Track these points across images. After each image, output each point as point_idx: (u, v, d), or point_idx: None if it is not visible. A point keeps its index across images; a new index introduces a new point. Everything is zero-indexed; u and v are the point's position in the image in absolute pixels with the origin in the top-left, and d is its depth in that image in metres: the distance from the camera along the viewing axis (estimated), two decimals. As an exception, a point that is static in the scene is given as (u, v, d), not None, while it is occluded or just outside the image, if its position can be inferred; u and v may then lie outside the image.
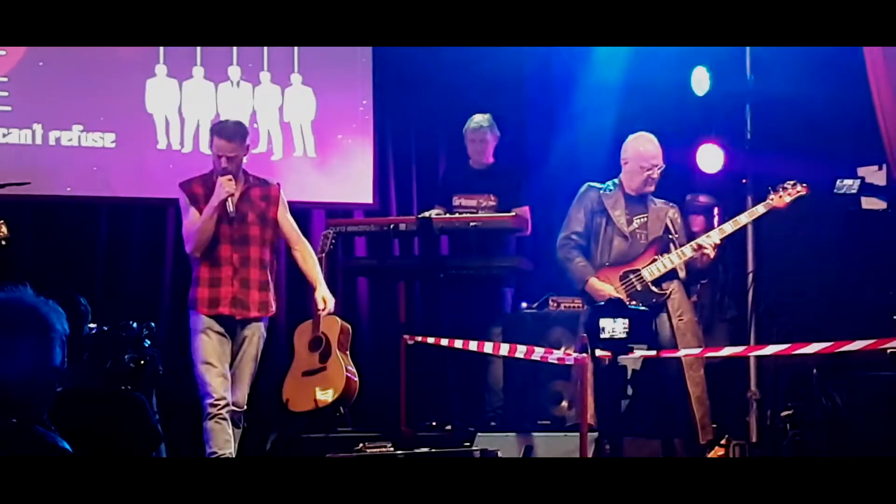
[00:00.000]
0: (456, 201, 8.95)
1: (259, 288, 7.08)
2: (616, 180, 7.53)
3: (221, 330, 7.04)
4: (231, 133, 7.09)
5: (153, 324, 8.16)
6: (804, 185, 7.28)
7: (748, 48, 9.26)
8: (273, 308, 7.23)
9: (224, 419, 6.96)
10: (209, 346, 7.00)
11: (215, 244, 7.05)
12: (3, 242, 7.30)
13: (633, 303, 7.01)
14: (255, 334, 7.13)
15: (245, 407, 7.14)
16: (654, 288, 7.18)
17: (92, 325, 4.85)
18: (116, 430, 4.59)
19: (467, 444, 7.95)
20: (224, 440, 6.94)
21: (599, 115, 10.30)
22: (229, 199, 6.99)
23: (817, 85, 8.48)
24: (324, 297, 7.27)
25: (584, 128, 10.31)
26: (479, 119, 9.10)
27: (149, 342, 8.03)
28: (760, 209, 7.35)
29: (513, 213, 8.69)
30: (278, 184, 7.33)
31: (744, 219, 7.46)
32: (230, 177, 6.95)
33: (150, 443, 5.46)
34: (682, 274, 7.31)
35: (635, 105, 10.30)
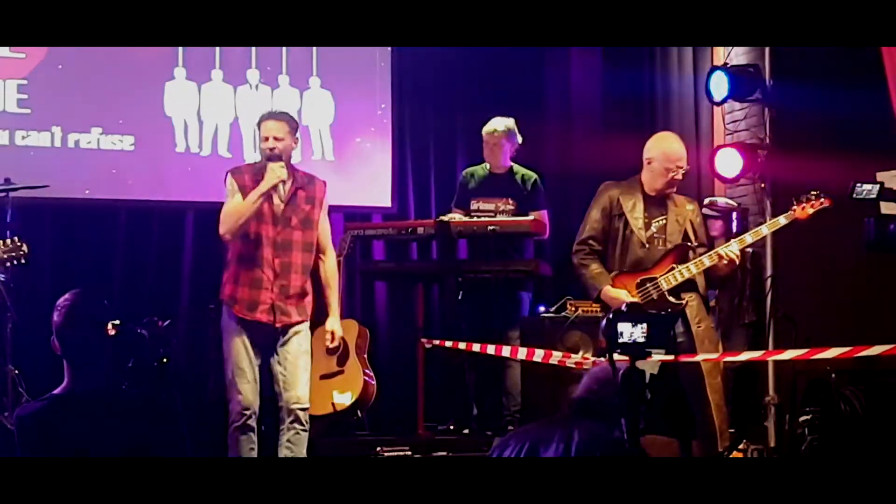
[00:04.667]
0: (474, 205, 8.94)
1: (299, 294, 6.91)
2: (634, 177, 7.42)
3: (260, 332, 6.89)
4: (279, 115, 7.02)
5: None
6: (827, 197, 7.18)
7: (767, 53, 9.27)
8: (310, 311, 7.04)
9: (251, 429, 6.88)
10: (241, 349, 6.84)
11: (258, 245, 6.87)
12: (24, 261, 7.35)
13: (651, 311, 6.95)
14: (301, 331, 6.94)
15: (308, 404, 6.92)
16: (670, 297, 7.12)
17: (116, 322, 4.86)
18: (143, 434, 4.59)
19: (485, 448, 7.95)
20: (248, 449, 6.88)
21: (617, 117, 10.32)
22: (280, 184, 6.84)
23: (836, 89, 8.46)
24: (332, 331, 7.09)
25: (602, 130, 10.32)
26: (496, 123, 9.07)
27: (175, 339, 8.06)
28: (782, 220, 7.23)
29: (531, 217, 8.68)
30: (325, 183, 7.14)
31: (765, 230, 7.38)
32: (282, 163, 6.78)
33: (178, 449, 5.41)
34: (700, 281, 7.24)
35: (654, 107, 10.34)
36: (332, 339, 7.09)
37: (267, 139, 6.88)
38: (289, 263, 6.87)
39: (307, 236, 6.96)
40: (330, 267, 7.12)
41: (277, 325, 6.86)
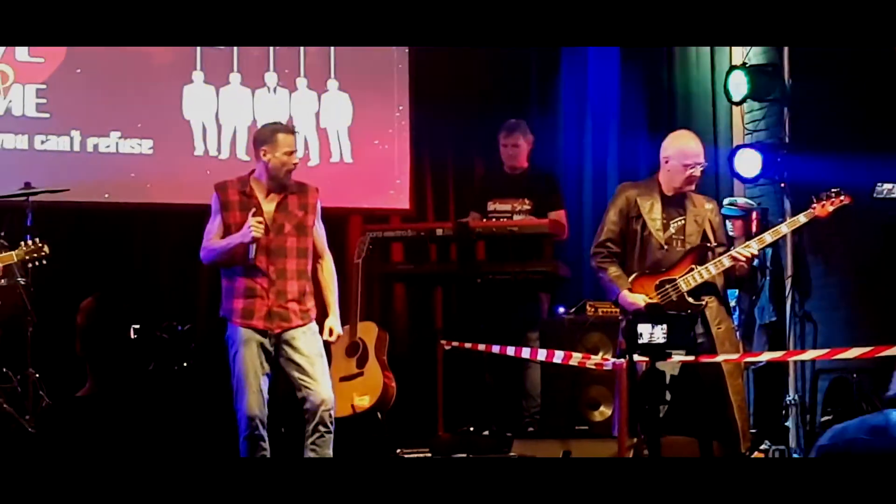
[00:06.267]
0: (491, 206, 8.94)
1: (298, 299, 6.84)
2: (652, 178, 7.39)
3: (264, 341, 6.83)
4: (294, 129, 7.04)
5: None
6: (847, 195, 7.12)
7: (786, 52, 9.25)
8: (314, 314, 7.02)
9: (260, 438, 6.86)
10: (247, 360, 6.78)
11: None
12: (45, 262, 7.40)
13: (671, 313, 6.92)
14: (307, 334, 6.88)
15: (332, 406, 6.84)
16: (689, 298, 7.08)
17: (136, 326, 4.88)
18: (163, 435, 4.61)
19: (506, 449, 7.95)
20: (260, 457, 6.87)
21: (634, 117, 10.31)
22: (263, 198, 6.82)
23: (855, 87, 8.43)
24: (331, 328, 7.03)
25: (619, 130, 10.31)
26: (512, 124, 9.08)
27: (194, 343, 8.07)
28: (802, 219, 7.16)
29: (550, 219, 8.67)
30: (317, 189, 7.06)
31: (784, 229, 7.31)
32: (261, 218, 6.71)
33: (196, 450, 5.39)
34: (719, 282, 7.20)
35: (671, 108, 10.32)
36: (331, 334, 7.06)
37: (291, 154, 6.85)
38: (283, 270, 6.82)
39: (301, 242, 6.90)
40: (328, 270, 7.08)
41: (276, 330, 6.81)
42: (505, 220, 8.77)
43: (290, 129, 6.97)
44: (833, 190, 7.06)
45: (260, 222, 6.72)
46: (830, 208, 7.07)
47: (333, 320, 7.06)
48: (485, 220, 8.84)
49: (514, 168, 9.06)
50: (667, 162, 7.23)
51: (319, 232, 7.06)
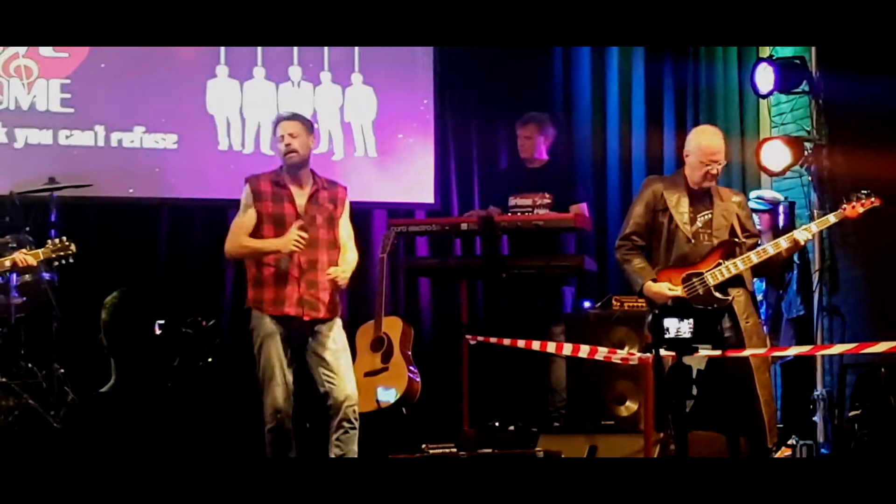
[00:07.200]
0: (511, 201, 8.91)
1: (328, 289, 6.95)
2: (679, 172, 7.36)
3: (289, 333, 6.92)
4: (291, 115, 7.12)
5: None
6: (878, 196, 7.08)
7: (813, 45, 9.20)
8: (340, 310, 7.08)
9: (285, 430, 6.88)
10: (272, 352, 6.88)
11: None
12: (71, 259, 7.43)
13: (698, 307, 6.89)
14: (333, 328, 6.98)
15: (356, 402, 6.92)
16: (717, 293, 7.04)
17: (161, 321, 4.87)
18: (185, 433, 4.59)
19: (531, 444, 7.92)
20: (284, 449, 6.88)
21: (659, 110, 10.27)
22: (297, 189, 6.92)
23: (884, 79, 8.38)
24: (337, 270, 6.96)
25: (644, 124, 10.27)
26: (527, 116, 9.07)
27: (219, 339, 8.08)
28: (832, 219, 7.12)
29: (574, 213, 8.64)
30: (345, 188, 7.21)
31: (814, 227, 7.28)
32: (305, 234, 6.78)
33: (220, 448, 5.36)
34: (747, 276, 7.16)
35: (697, 101, 10.27)
36: (332, 275, 6.95)
37: (282, 138, 6.95)
38: (315, 261, 6.95)
39: (332, 234, 7.04)
40: (348, 259, 7.11)
41: (305, 318, 6.90)
42: (528, 214, 8.74)
43: (287, 116, 7.10)
44: (863, 191, 7.04)
45: (303, 238, 6.80)
46: (860, 209, 7.05)
47: (341, 269, 7.00)
48: (507, 214, 8.81)
49: (531, 160, 9.04)
50: (688, 157, 7.22)
51: (346, 229, 7.16)
